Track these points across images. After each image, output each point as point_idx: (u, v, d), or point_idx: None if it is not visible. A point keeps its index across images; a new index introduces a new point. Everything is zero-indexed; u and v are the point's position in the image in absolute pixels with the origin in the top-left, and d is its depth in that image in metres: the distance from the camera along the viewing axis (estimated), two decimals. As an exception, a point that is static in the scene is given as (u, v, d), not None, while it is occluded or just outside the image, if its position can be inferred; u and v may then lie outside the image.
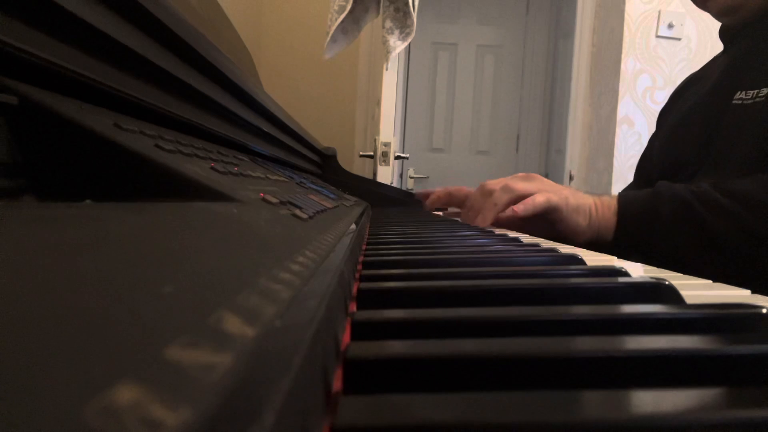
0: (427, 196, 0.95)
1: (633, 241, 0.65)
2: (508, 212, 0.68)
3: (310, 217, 0.32)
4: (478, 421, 0.12)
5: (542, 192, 0.67)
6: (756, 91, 0.67)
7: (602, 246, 0.67)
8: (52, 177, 0.22)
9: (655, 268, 0.35)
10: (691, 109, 0.79)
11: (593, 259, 0.38)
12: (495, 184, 0.70)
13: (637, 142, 2.03)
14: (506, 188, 0.68)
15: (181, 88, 0.38)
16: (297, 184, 0.57)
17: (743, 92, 0.69)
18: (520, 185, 0.68)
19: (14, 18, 0.20)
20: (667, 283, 0.25)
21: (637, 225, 0.64)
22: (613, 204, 0.67)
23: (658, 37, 2.01)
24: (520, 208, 0.66)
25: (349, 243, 0.30)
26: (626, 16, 2.00)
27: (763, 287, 0.56)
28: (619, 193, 0.68)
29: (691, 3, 0.78)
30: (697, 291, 0.25)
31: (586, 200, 0.68)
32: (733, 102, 0.69)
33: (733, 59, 0.75)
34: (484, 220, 0.69)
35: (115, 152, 0.22)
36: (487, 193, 0.70)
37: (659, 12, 2.00)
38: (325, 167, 1.22)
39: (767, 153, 0.62)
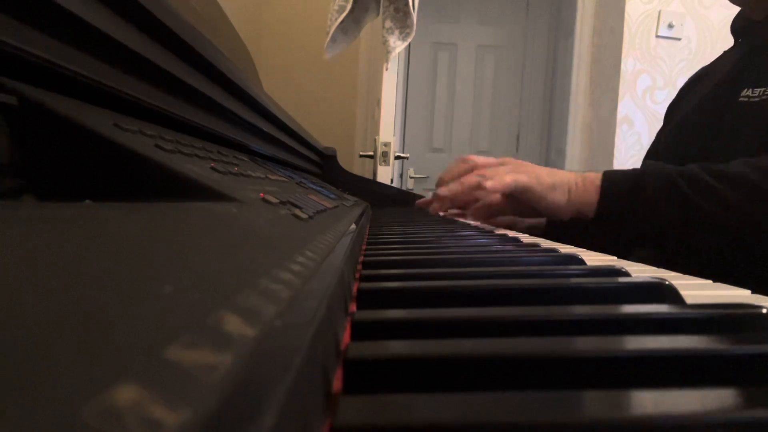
0: (428, 204, 0.94)
1: (614, 217, 0.65)
2: (484, 188, 0.68)
3: (310, 217, 0.32)
4: (478, 421, 0.12)
5: (511, 173, 0.67)
6: (763, 89, 0.66)
7: (583, 222, 0.67)
8: (52, 177, 0.22)
9: (655, 268, 0.35)
10: (697, 105, 0.79)
11: (593, 259, 0.38)
12: (471, 166, 0.71)
13: (636, 142, 2.03)
14: (479, 175, 0.69)
15: (181, 88, 0.38)
16: (297, 184, 0.57)
17: (750, 89, 0.68)
18: (492, 171, 0.68)
19: (14, 18, 0.20)
20: (667, 283, 0.25)
21: (620, 201, 0.64)
22: (598, 180, 0.66)
23: (658, 37, 2.01)
24: (488, 183, 0.66)
25: (349, 243, 0.30)
26: (626, 16, 2.00)
27: (748, 268, 0.56)
28: (605, 171, 0.68)
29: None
30: (697, 291, 0.25)
31: (566, 177, 0.67)
32: (739, 99, 0.69)
33: (742, 56, 0.74)
34: (475, 214, 0.73)
35: (115, 152, 0.22)
36: (463, 181, 0.71)
37: (659, 12, 2.00)
38: (325, 167, 1.22)
39: None
